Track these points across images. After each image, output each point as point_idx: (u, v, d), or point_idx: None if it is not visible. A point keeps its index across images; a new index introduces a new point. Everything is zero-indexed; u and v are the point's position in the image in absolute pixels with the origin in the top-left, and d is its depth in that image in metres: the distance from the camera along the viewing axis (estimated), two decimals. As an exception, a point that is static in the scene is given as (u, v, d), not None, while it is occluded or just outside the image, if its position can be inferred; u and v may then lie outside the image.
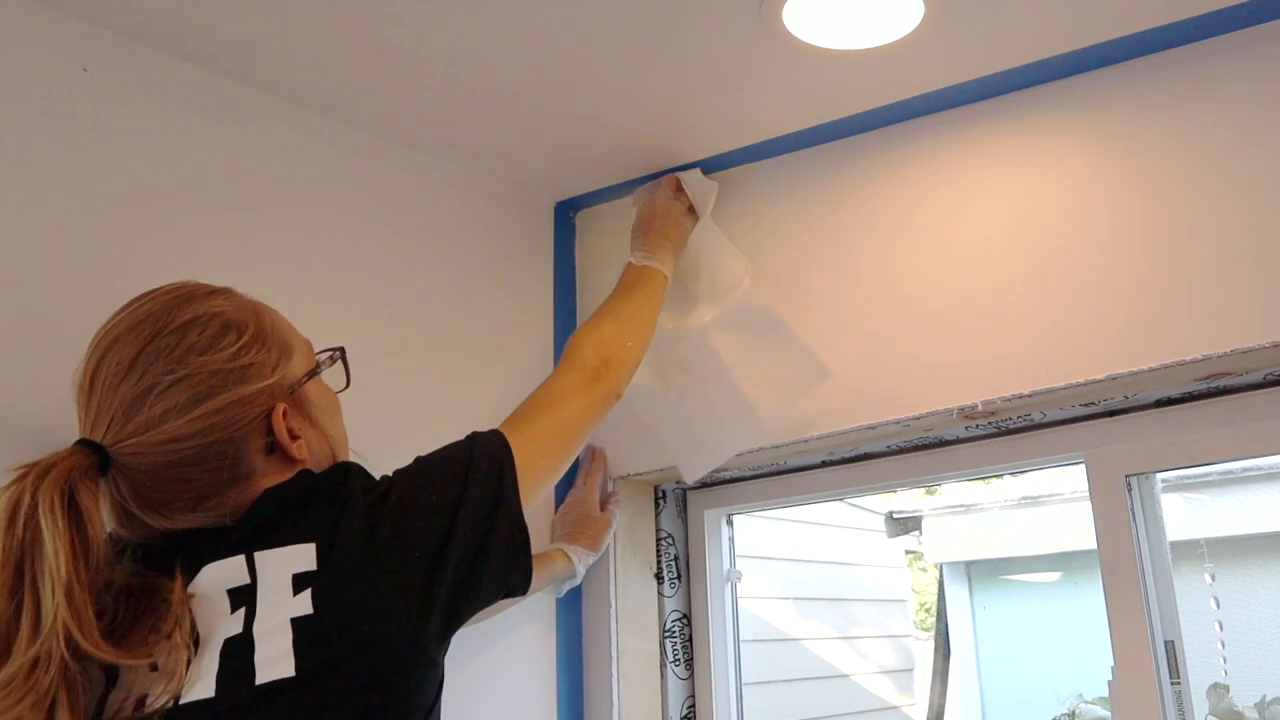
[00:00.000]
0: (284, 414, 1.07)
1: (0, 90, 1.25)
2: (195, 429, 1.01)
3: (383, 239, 1.63)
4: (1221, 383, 1.45)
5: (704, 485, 1.92)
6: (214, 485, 1.03)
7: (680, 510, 1.95)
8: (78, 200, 1.30)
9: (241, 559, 1.01)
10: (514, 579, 1.15)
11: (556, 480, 1.39)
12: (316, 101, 1.55)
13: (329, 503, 1.06)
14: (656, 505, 1.91)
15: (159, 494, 1.02)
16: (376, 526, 1.04)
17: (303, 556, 1.00)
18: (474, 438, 1.19)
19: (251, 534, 1.03)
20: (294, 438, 1.08)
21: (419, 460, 1.16)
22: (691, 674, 1.88)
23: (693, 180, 1.73)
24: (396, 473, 1.13)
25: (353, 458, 1.20)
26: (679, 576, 1.91)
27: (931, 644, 5.85)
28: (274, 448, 1.07)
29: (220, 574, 1.01)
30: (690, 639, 1.89)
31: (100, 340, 1.04)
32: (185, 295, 1.08)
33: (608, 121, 1.64)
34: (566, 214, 1.94)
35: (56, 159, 1.29)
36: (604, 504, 1.78)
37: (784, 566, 4.43)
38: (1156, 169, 1.44)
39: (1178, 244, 1.41)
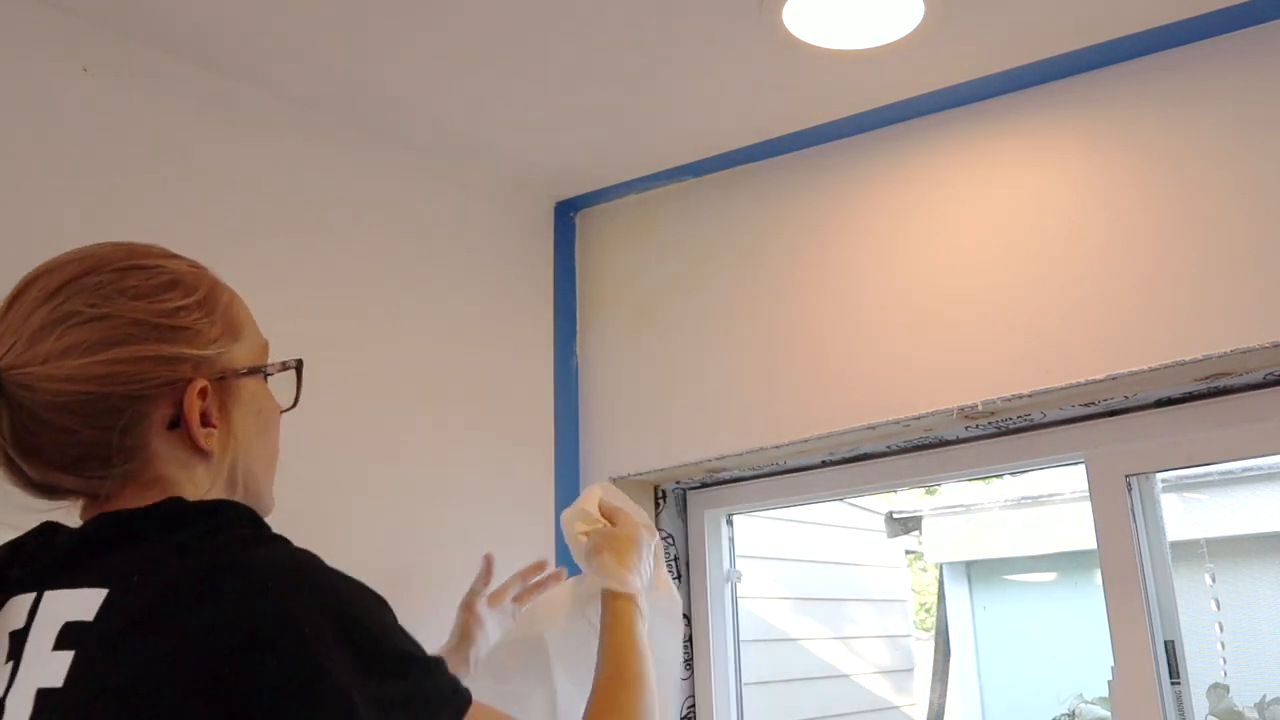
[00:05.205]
0: (202, 393, 0.89)
1: (0, 90, 1.26)
2: (94, 373, 0.85)
3: (382, 238, 1.63)
4: (1221, 383, 1.45)
5: (704, 485, 1.92)
6: (97, 445, 0.86)
7: (680, 510, 1.95)
8: (76, 200, 1.30)
9: (32, 596, 0.82)
10: None
11: None
12: (316, 101, 1.55)
13: (167, 541, 0.84)
14: (657, 505, 1.91)
15: (36, 437, 0.86)
16: (202, 602, 0.77)
17: (86, 604, 0.80)
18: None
19: (59, 562, 0.84)
20: (206, 425, 0.90)
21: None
22: (691, 674, 1.88)
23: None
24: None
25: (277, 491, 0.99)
26: (679, 576, 1.91)
27: (931, 644, 5.85)
28: (178, 423, 0.89)
29: (7, 615, 0.83)
30: (690, 639, 1.89)
31: (37, 268, 0.91)
32: (145, 249, 0.94)
33: (608, 122, 1.64)
34: (566, 214, 1.94)
35: (56, 159, 1.29)
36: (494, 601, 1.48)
37: (784, 566, 4.43)
38: (1156, 169, 1.45)
39: (1177, 244, 1.41)
